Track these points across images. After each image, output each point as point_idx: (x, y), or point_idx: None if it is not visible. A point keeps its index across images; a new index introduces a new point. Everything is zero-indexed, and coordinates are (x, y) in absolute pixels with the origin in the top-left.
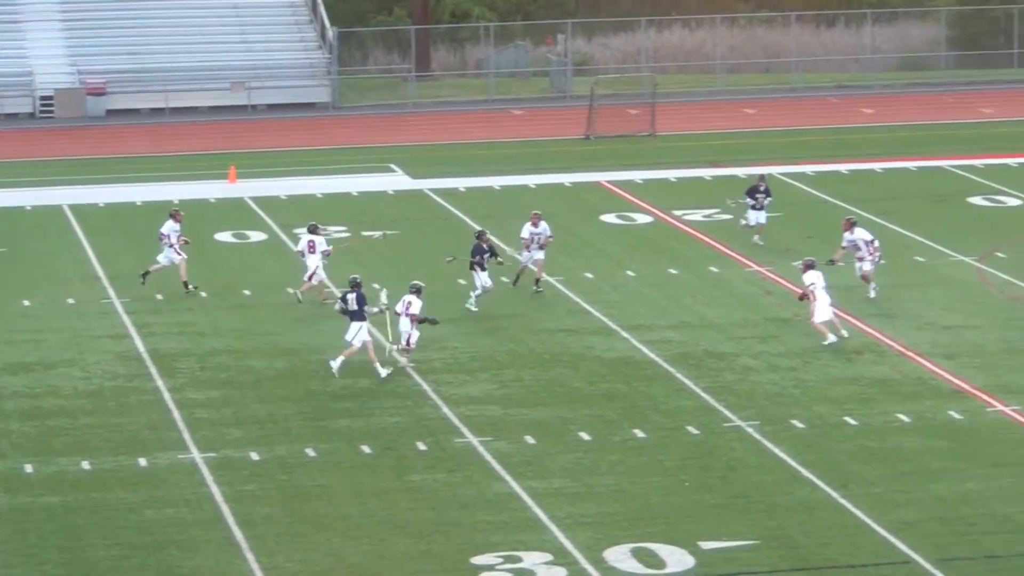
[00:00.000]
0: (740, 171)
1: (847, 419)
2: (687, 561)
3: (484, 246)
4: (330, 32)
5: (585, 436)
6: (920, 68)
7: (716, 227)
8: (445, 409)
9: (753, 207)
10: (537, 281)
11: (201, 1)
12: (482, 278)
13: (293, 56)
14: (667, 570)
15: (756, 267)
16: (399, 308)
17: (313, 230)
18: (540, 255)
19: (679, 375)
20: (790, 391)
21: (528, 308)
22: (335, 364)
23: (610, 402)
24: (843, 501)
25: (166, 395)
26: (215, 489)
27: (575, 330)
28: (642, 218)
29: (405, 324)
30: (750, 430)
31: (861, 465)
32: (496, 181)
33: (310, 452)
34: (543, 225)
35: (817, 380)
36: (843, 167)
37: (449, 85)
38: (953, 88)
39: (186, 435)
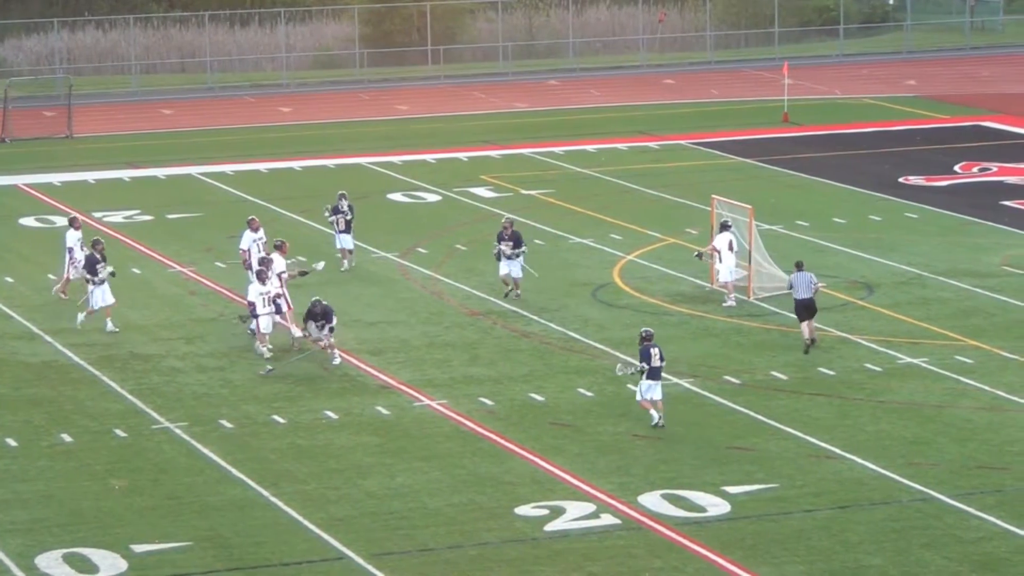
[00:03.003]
0: (160, 172)
1: (276, 417)
2: (120, 565)
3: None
4: None
5: (12, 442)
6: (335, 66)
7: (137, 228)
8: None
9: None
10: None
11: None
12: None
13: None
14: (100, 575)
15: (179, 268)
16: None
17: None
18: None
19: (105, 378)
20: (218, 391)
21: None
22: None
23: (36, 407)
24: (275, 499)
25: None
26: None
27: None
28: (62, 221)
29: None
30: (179, 431)
31: (291, 463)
32: None
33: None
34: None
35: (244, 379)
36: (262, 166)
37: None
38: (368, 85)
39: None
